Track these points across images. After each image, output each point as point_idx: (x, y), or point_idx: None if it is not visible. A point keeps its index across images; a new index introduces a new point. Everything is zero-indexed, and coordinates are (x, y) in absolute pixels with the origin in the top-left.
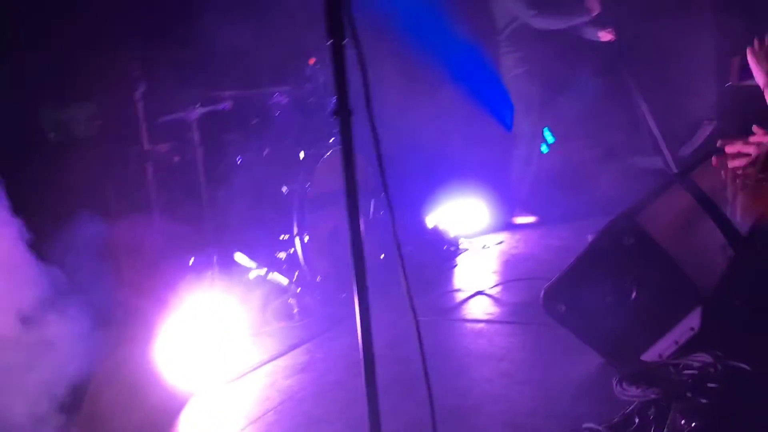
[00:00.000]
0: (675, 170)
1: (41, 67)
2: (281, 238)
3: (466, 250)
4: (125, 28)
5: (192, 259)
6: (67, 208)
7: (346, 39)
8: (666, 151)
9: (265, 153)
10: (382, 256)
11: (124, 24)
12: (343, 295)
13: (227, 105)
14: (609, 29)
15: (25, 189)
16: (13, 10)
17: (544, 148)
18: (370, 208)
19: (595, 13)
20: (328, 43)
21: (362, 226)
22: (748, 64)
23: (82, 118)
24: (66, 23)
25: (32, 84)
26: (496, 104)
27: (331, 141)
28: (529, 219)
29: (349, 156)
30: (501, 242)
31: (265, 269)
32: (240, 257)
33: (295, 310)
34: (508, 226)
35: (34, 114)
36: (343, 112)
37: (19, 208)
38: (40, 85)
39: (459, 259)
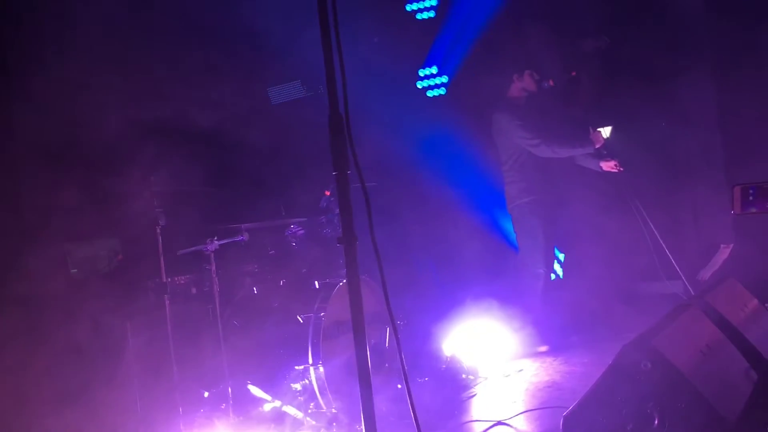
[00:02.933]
0: (692, 293)
1: (66, 204)
2: (296, 368)
3: (485, 378)
4: (145, 163)
5: (206, 393)
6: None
7: (349, 171)
8: (682, 275)
9: (281, 283)
10: (399, 386)
11: (144, 159)
12: (358, 427)
13: (244, 237)
14: (612, 161)
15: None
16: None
17: (558, 269)
18: (386, 335)
19: (598, 145)
20: (333, 174)
21: (371, 353)
22: (749, 194)
23: (105, 254)
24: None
25: (57, 221)
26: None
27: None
28: (542, 348)
29: (354, 281)
30: (521, 370)
31: (279, 402)
32: (254, 389)
33: None
34: (528, 354)
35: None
36: (347, 238)
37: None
38: (65, 222)
39: (477, 389)
